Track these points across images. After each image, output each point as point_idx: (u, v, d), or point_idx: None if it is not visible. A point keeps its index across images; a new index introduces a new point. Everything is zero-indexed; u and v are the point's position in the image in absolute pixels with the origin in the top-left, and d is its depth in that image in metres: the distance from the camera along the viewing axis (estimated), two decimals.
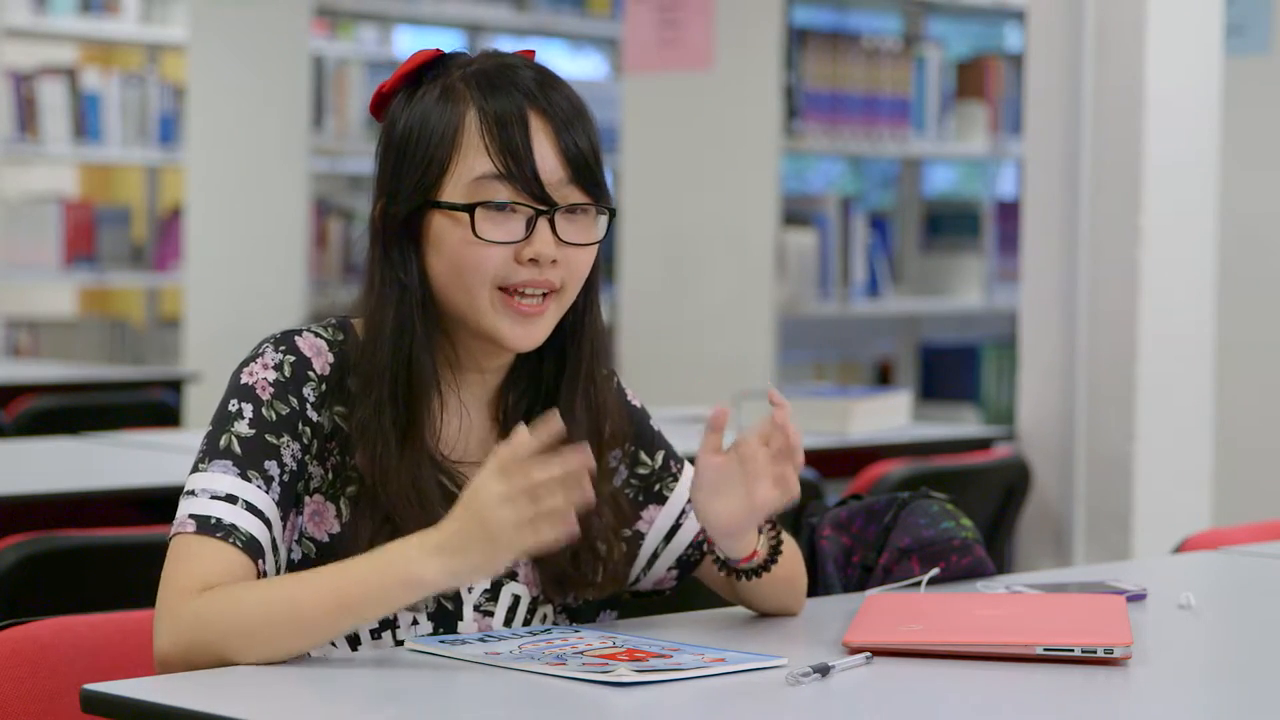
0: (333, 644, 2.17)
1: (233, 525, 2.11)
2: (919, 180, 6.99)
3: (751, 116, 5.79)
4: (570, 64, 8.97)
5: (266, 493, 2.14)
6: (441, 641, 2.16)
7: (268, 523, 2.13)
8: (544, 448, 2.02)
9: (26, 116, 7.72)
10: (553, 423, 2.03)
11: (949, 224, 6.85)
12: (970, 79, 6.58)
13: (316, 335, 2.23)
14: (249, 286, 6.77)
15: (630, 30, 6.02)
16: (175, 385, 5.97)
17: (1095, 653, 2.10)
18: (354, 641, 2.18)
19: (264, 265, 6.75)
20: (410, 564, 2.04)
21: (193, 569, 2.09)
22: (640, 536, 2.36)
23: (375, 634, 2.19)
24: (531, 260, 2.19)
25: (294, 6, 6.68)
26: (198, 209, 7.03)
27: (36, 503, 3.42)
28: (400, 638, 2.19)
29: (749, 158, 5.81)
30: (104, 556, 2.99)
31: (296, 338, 2.22)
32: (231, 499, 2.12)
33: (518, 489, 2.00)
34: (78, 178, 9.06)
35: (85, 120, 7.85)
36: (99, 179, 9.09)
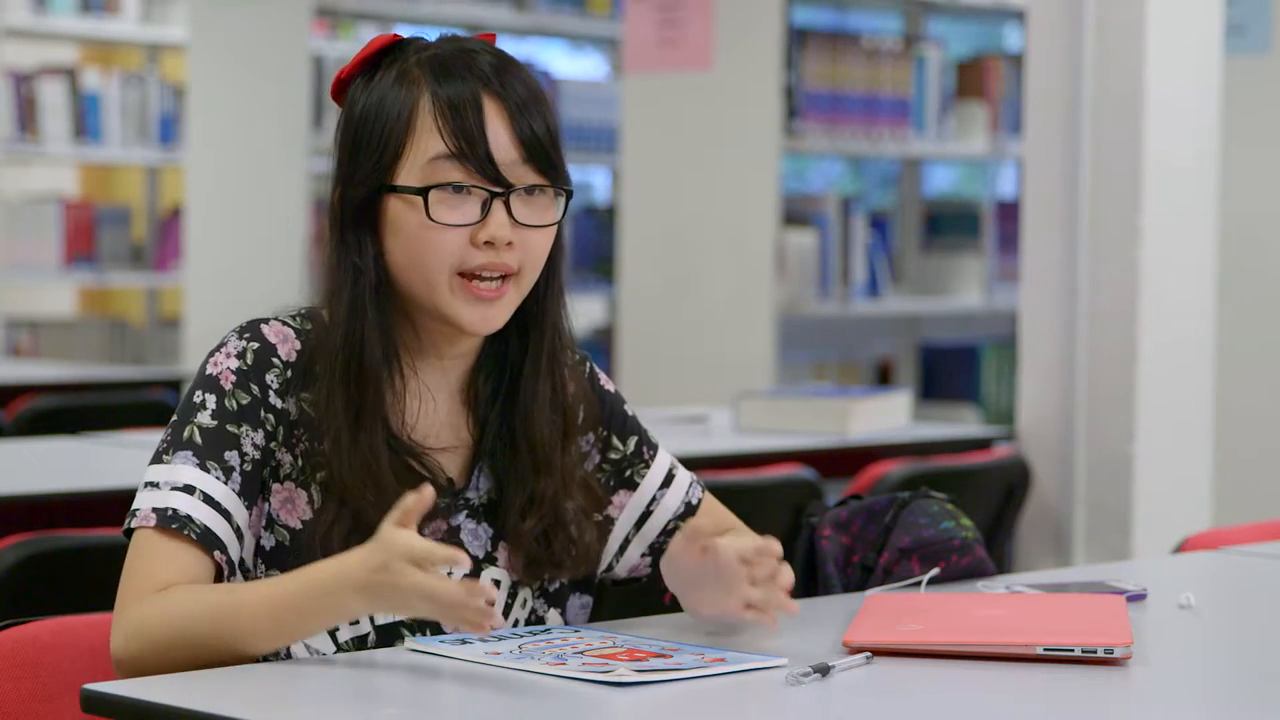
0: None
1: (188, 517, 2.13)
2: (919, 180, 6.99)
3: (751, 116, 5.79)
4: (570, 64, 8.97)
5: (226, 483, 2.16)
6: (441, 641, 2.16)
7: (226, 514, 2.15)
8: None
9: (26, 116, 7.72)
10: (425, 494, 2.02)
11: (949, 224, 6.85)
12: (970, 79, 6.58)
13: (284, 324, 2.25)
14: (249, 286, 6.76)
15: (630, 30, 6.02)
16: (175, 385, 5.97)
17: (1095, 653, 2.10)
18: (331, 628, 2.19)
19: (264, 265, 6.75)
20: (341, 599, 2.04)
21: (149, 570, 2.12)
22: (611, 522, 2.38)
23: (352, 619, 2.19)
24: (487, 243, 2.19)
25: (294, 6, 6.67)
26: (198, 209, 7.03)
27: (36, 503, 3.42)
28: (379, 622, 2.20)
29: (749, 158, 5.81)
30: (104, 556, 2.98)
31: (263, 325, 2.24)
32: (189, 489, 2.15)
33: (439, 597, 1.98)
34: (78, 178, 9.06)
35: (85, 120, 7.85)
36: (99, 179, 9.09)
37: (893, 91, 6.24)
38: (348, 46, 8.14)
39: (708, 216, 5.87)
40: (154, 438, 4.19)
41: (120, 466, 3.87)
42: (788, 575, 2.17)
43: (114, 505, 3.40)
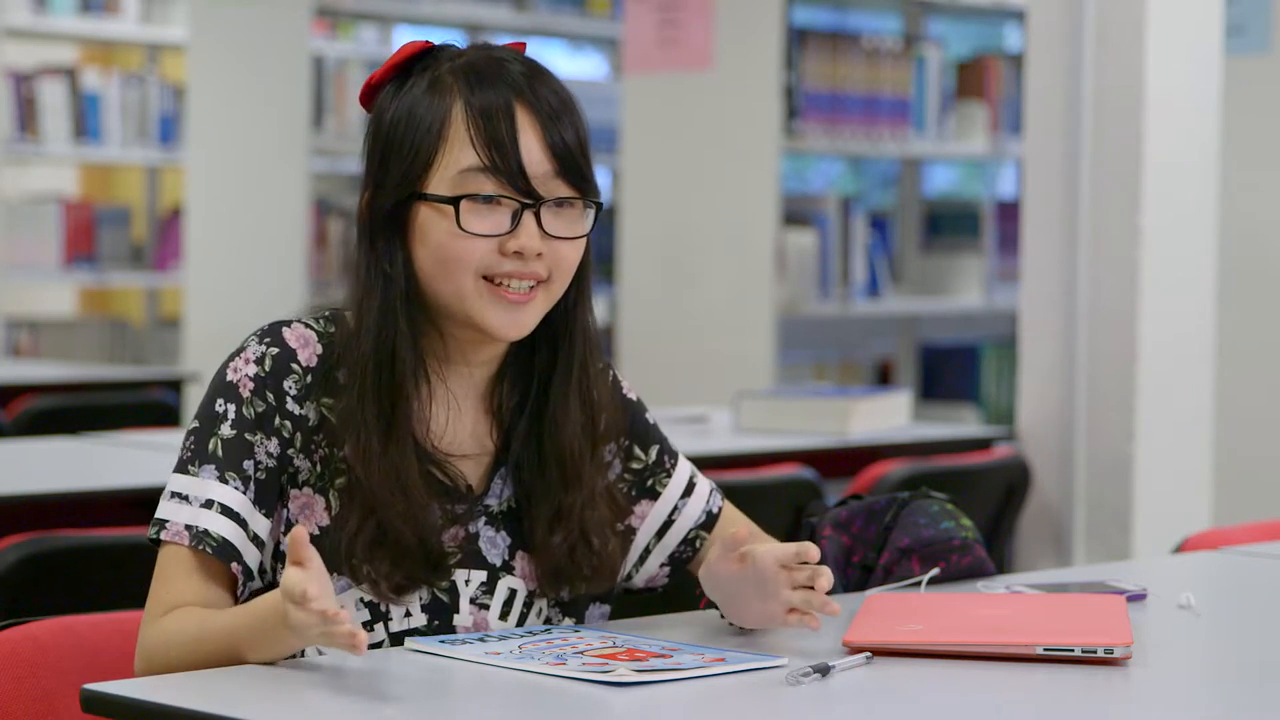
0: None
1: (205, 531, 2.15)
2: (919, 180, 6.99)
3: (751, 116, 5.79)
4: (570, 64, 8.97)
5: (244, 493, 2.17)
6: (441, 642, 2.16)
7: (243, 522, 2.17)
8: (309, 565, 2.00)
9: (26, 116, 7.72)
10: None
11: (949, 224, 6.85)
12: (970, 79, 6.58)
13: (307, 326, 2.24)
14: (249, 286, 6.77)
15: (630, 30, 6.02)
16: (175, 385, 5.97)
17: (1095, 653, 2.10)
18: None
19: (264, 265, 6.75)
20: (277, 633, 2.04)
21: (164, 591, 2.16)
22: (632, 531, 2.37)
23: (368, 626, 2.20)
24: (516, 253, 2.19)
25: (294, 6, 6.68)
26: (198, 209, 7.03)
27: (36, 503, 3.42)
28: (393, 630, 2.21)
29: (749, 158, 5.81)
30: (104, 556, 2.99)
31: (284, 329, 2.23)
32: (209, 504, 2.16)
33: (311, 626, 1.97)
34: (78, 178, 9.06)
35: (85, 120, 7.85)
36: (99, 179, 9.09)
37: (893, 91, 6.24)
38: (348, 46, 8.15)
39: (708, 216, 5.87)
40: (154, 438, 4.20)
41: (120, 466, 3.88)
42: (827, 577, 2.16)
43: (114, 505, 3.41)
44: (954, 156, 7.34)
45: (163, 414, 5.51)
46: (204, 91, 6.98)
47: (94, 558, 2.98)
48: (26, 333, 8.08)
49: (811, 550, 2.15)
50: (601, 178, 8.15)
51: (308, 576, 1.98)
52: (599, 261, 6.96)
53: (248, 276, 6.78)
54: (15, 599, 2.87)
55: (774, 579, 2.16)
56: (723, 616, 2.28)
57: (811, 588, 2.15)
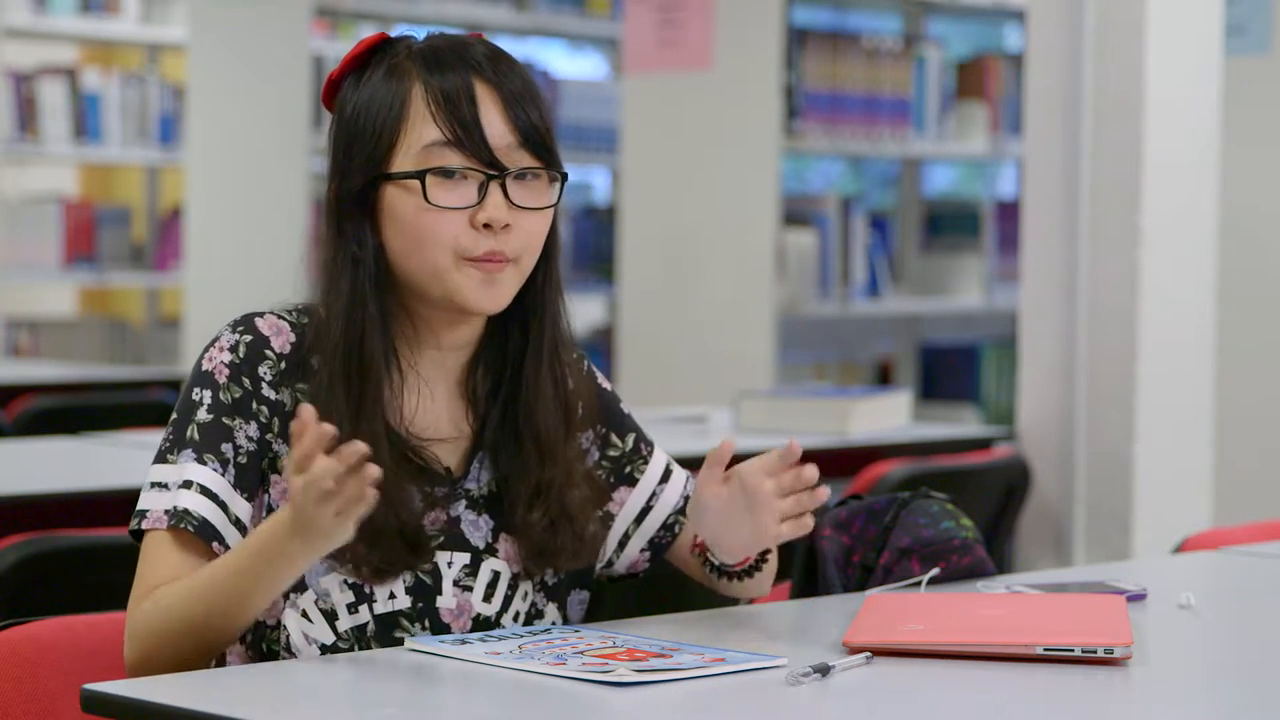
0: (308, 619, 2.18)
1: (186, 511, 2.16)
2: (919, 180, 6.99)
3: (751, 116, 5.79)
4: (570, 64, 8.97)
5: (222, 475, 2.18)
6: (442, 641, 2.16)
7: (223, 505, 2.18)
8: (331, 442, 1.99)
9: (26, 116, 7.71)
10: (356, 449, 2.00)
11: (949, 224, 6.85)
12: (970, 79, 6.58)
13: (279, 317, 2.27)
14: (249, 286, 6.76)
15: (630, 30, 6.02)
16: (175, 385, 5.97)
17: (1095, 653, 2.10)
18: (330, 617, 2.20)
19: (264, 265, 6.74)
20: (281, 544, 2.05)
21: (148, 573, 2.16)
22: (611, 518, 2.40)
23: (352, 608, 2.21)
24: (486, 225, 2.20)
25: (294, 6, 6.67)
26: (198, 209, 7.03)
27: (36, 503, 3.42)
28: (378, 611, 2.22)
29: (749, 158, 5.81)
30: (104, 556, 2.99)
31: (257, 319, 2.26)
32: (188, 484, 2.17)
33: (323, 490, 1.98)
34: (78, 178, 9.06)
35: (85, 120, 7.84)
36: (99, 179, 9.09)
37: (893, 91, 6.24)
38: (348, 46, 8.13)
39: (708, 216, 5.87)
40: (154, 438, 4.19)
41: (120, 466, 3.88)
42: (812, 469, 2.19)
43: (114, 505, 3.40)
44: (954, 156, 7.34)
45: (163, 414, 5.50)
46: (204, 91, 6.97)
47: (94, 558, 2.99)
48: (26, 333, 8.08)
49: (794, 448, 2.19)
50: (601, 177, 8.14)
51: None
52: (599, 261, 6.97)
53: (248, 276, 6.78)
54: (15, 599, 2.87)
55: (761, 489, 2.20)
56: (715, 565, 2.30)
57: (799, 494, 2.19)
